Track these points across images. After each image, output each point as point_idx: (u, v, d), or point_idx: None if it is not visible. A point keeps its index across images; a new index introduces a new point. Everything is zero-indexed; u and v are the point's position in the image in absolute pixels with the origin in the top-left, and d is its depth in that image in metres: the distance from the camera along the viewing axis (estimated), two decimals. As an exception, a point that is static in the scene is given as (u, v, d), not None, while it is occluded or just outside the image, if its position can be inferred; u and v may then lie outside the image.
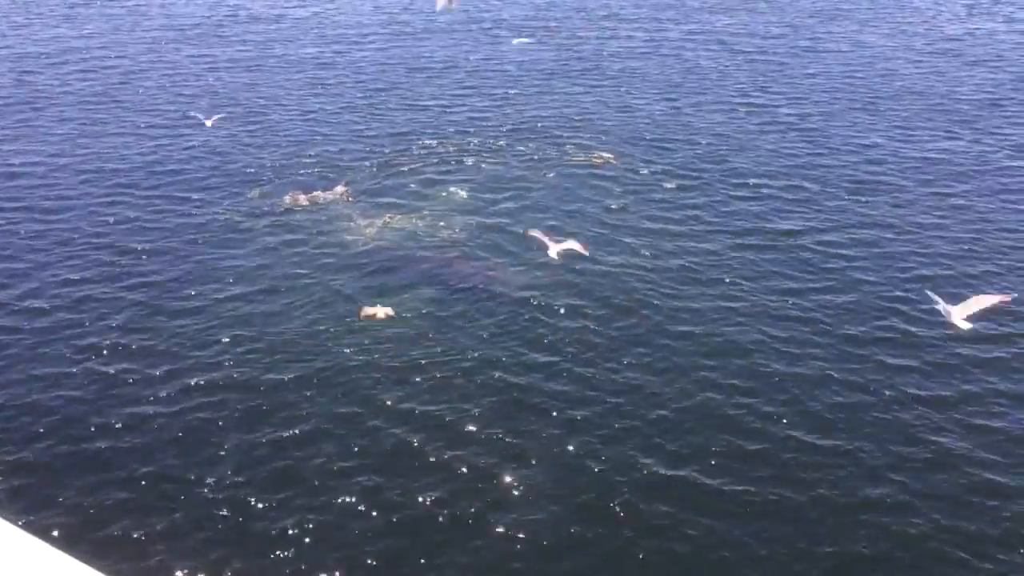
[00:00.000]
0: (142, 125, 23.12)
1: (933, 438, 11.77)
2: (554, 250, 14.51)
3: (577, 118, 23.74)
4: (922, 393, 12.60)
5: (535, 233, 15.03)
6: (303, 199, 18.89)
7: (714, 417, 12.17)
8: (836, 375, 12.99)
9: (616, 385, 12.79)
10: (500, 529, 10.35)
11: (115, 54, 29.24)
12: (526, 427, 11.95)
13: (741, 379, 12.94)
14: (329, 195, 19.08)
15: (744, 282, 15.54)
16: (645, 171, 20.20)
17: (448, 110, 24.47)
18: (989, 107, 24.16)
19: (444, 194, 19.24)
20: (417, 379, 12.88)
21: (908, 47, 29.67)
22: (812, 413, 12.25)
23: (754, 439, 11.77)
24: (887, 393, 12.58)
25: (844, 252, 16.60)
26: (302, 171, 20.40)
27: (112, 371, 13.12)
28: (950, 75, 26.83)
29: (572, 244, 14.72)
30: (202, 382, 12.86)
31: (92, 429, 11.97)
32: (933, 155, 21.00)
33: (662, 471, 11.19)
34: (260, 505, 10.69)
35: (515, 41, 26.16)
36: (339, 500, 10.75)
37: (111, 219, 17.94)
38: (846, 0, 35.68)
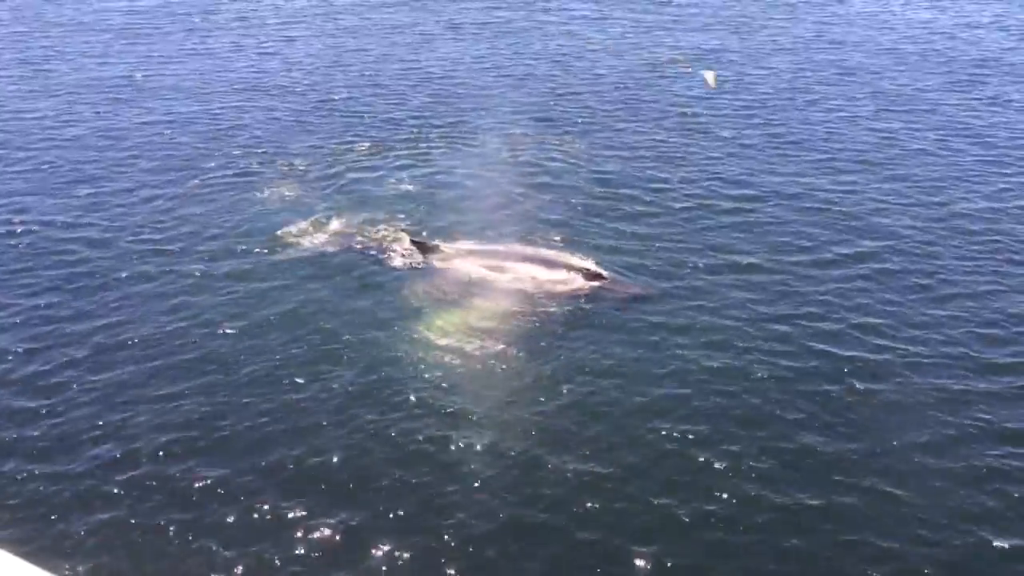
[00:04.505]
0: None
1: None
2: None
3: (536, 111, 23.75)
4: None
5: None
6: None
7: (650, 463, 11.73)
8: (797, 416, 12.61)
9: (537, 426, 12.26)
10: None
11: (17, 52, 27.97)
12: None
13: (680, 418, 12.46)
14: (275, 190, 18.82)
15: (706, 305, 15.15)
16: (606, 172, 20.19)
17: (393, 105, 24.20)
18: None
19: (392, 185, 19.19)
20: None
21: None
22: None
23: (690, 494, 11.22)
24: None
25: (816, 274, 16.13)
26: (240, 168, 20.08)
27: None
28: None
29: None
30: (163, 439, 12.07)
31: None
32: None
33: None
34: None
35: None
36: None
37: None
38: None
